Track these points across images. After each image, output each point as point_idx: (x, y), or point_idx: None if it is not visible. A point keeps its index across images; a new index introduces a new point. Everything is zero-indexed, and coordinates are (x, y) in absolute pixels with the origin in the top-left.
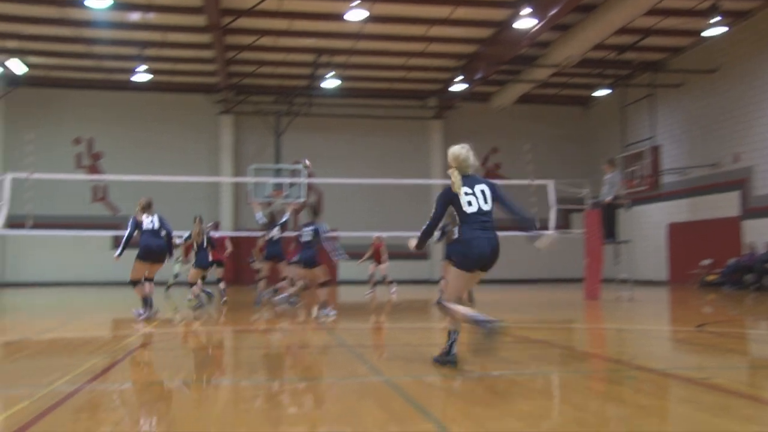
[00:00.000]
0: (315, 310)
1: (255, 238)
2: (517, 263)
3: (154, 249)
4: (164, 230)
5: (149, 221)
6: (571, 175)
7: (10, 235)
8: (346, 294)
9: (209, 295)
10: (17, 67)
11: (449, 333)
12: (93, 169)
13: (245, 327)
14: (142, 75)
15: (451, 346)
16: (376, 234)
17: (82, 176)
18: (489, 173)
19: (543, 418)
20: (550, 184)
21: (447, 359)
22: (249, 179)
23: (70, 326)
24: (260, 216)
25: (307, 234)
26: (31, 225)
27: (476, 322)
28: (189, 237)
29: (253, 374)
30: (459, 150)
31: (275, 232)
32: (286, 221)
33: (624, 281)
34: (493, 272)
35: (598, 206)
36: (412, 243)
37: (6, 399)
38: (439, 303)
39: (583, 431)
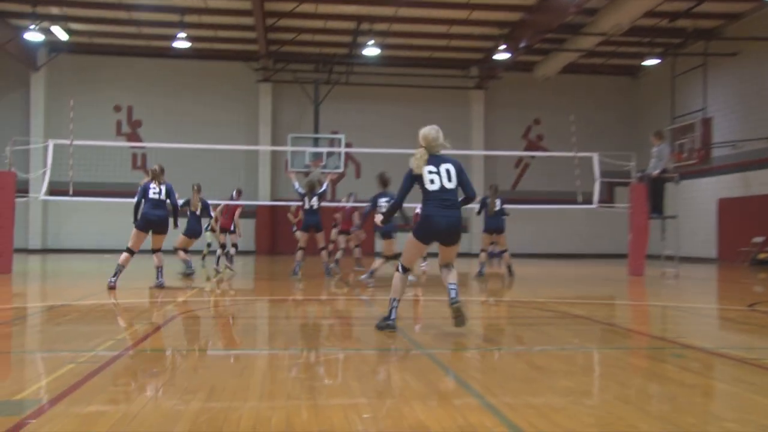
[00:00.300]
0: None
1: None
2: (559, 238)
3: (152, 219)
4: (169, 201)
5: (155, 190)
6: (617, 147)
7: (51, 201)
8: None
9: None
10: (60, 33)
11: (390, 300)
12: (132, 137)
13: (280, 297)
14: (181, 42)
15: (390, 311)
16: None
17: (122, 143)
18: (531, 145)
19: (585, 394)
20: (595, 157)
21: (387, 324)
22: (287, 148)
23: (110, 293)
24: (298, 186)
25: (384, 205)
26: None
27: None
28: (186, 203)
29: (291, 344)
30: (428, 131)
31: (314, 202)
32: (324, 191)
33: (670, 258)
34: (535, 247)
35: (645, 180)
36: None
37: (50, 362)
38: (397, 269)
39: (628, 408)
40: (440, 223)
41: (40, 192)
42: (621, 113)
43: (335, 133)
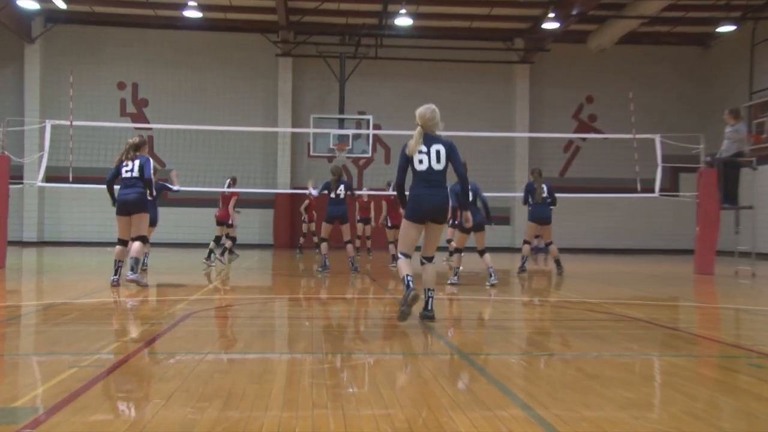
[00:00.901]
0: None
1: (304, 196)
2: (614, 232)
3: (123, 200)
4: (143, 178)
5: (127, 168)
6: (683, 128)
7: (49, 188)
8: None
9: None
10: (58, 1)
11: (404, 278)
12: (138, 117)
13: (301, 295)
14: (192, 11)
15: (408, 288)
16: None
17: (126, 124)
18: (582, 126)
19: (648, 407)
20: (657, 139)
21: (403, 309)
22: (309, 130)
23: (115, 290)
24: (314, 192)
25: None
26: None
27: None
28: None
29: (316, 347)
30: (425, 110)
31: (340, 191)
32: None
33: (745, 254)
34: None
35: (716, 164)
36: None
37: (50, 366)
38: (397, 256)
39: (697, 425)
40: (425, 201)
41: (36, 178)
42: (688, 89)
43: (362, 113)
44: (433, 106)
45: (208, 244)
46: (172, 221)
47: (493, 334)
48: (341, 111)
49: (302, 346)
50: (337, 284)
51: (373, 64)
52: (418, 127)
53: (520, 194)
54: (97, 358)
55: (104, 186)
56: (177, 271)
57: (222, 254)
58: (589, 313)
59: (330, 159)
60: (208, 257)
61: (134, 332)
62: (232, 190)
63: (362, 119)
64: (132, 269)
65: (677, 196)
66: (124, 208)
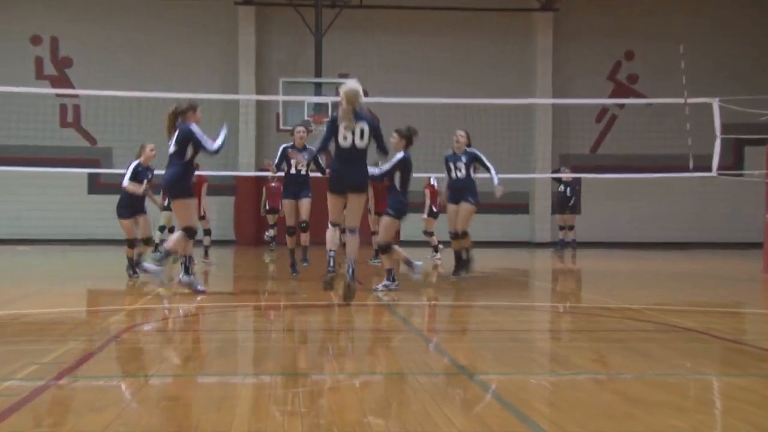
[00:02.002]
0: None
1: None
2: (660, 220)
3: (164, 182)
4: (186, 151)
5: (169, 143)
6: (749, 90)
7: None
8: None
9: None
10: None
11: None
12: (60, 81)
13: (272, 303)
14: None
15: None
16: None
17: (44, 89)
18: (620, 89)
19: None
20: (715, 104)
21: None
22: (278, 97)
23: (34, 300)
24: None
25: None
26: None
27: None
28: None
29: (288, 366)
30: (350, 91)
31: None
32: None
33: None
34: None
35: None
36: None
37: None
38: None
39: None
40: (346, 177)
41: None
42: (755, 41)
43: (344, 76)
44: (358, 84)
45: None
46: (107, 212)
47: (509, 349)
48: (318, 73)
49: (271, 365)
50: (313, 288)
51: (356, 15)
52: (346, 105)
53: (541, 175)
54: (8, 385)
55: (24, 168)
56: (113, 274)
57: (206, 254)
58: (629, 322)
59: (308, 132)
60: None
61: (57, 351)
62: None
63: (343, 83)
64: (186, 270)
65: (741, 175)
66: (164, 191)
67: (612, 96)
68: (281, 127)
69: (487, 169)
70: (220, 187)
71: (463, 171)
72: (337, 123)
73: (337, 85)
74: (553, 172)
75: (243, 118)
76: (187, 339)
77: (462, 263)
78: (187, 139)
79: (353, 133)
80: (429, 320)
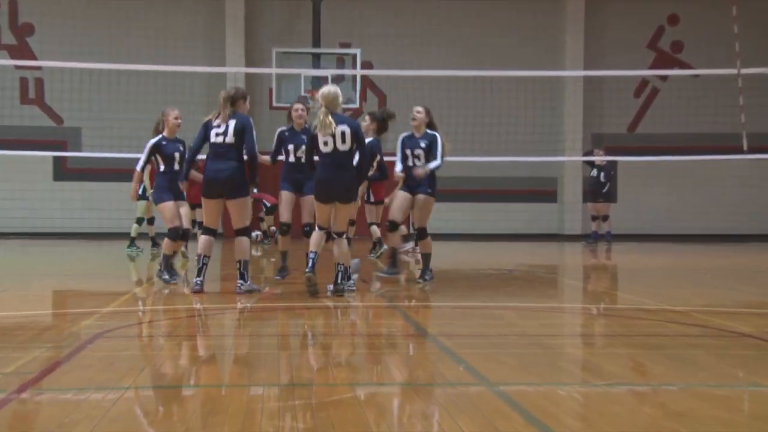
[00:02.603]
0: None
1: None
2: (707, 209)
3: (214, 178)
4: (243, 143)
5: (219, 131)
6: None
7: None
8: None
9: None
10: None
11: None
12: (19, 52)
13: (264, 304)
14: None
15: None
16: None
17: (3, 61)
18: (662, 59)
19: None
20: None
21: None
22: (271, 70)
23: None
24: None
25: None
26: None
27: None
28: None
29: (284, 376)
30: (328, 92)
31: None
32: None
33: None
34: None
35: None
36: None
37: None
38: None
39: None
40: (332, 184)
41: None
42: None
43: (346, 46)
44: (336, 87)
45: (130, 233)
46: (77, 202)
47: (534, 356)
48: (316, 43)
49: (264, 374)
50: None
51: None
52: (323, 108)
53: (571, 158)
54: None
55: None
56: (84, 271)
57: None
58: (672, 325)
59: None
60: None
61: (20, 361)
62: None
63: (346, 54)
64: (243, 276)
65: None
66: (214, 189)
67: (653, 67)
68: (274, 104)
69: (434, 158)
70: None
71: (422, 158)
72: (314, 131)
73: (339, 56)
74: (585, 154)
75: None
76: (169, 345)
77: (393, 261)
78: (243, 132)
79: (333, 137)
80: (443, 323)
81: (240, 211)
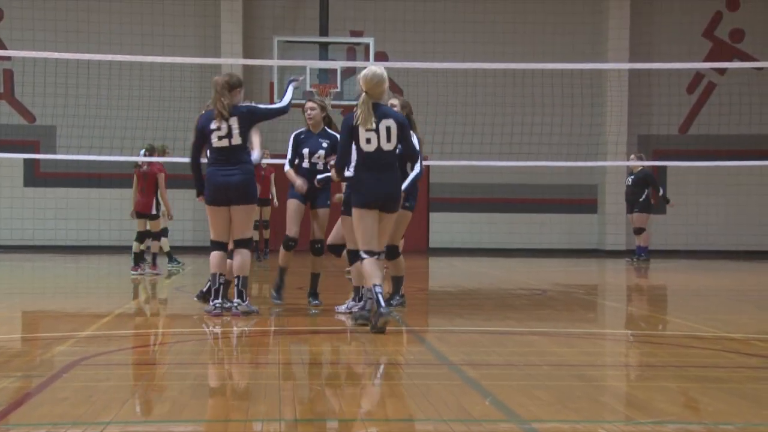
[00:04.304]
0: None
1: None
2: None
3: (220, 183)
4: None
5: (221, 133)
6: None
7: None
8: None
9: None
10: None
11: (372, 289)
12: None
13: (261, 327)
14: None
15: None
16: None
17: None
18: (720, 50)
19: None
20: None
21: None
22: (272, 62)
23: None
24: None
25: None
26: None
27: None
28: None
29: (285, 410)
30: (372, 74)
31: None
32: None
33: None
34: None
35: None
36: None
37: None
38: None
39: None
40: (375, 188)
41: None
42: None
43: (358, 35)
44: (382, 70)
45: (111, 246)
46: (51, 211)
47: (571, 389)
48: (324, 31)
49: (263, 408)
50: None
51: None
52: (363, 95)
53: (612, 163)
54: None
55: None
56: (59, 290)
57: (153, 264)
58: (729, 355)
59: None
60: (137, 265)
61: None
62: (150, 159)
63: (358, 44)
64: (240, 295)
65: None
66: (224, 195)
67: (709, 59)
68: (276, 99)
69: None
70: (188, 178)
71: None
72: (354, 124)
73: (349, 46)
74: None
75: None
76: (155, 374)
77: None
78: (250, 123)
79: (377, 133)
80: (467, 350)
81: (245, 219)
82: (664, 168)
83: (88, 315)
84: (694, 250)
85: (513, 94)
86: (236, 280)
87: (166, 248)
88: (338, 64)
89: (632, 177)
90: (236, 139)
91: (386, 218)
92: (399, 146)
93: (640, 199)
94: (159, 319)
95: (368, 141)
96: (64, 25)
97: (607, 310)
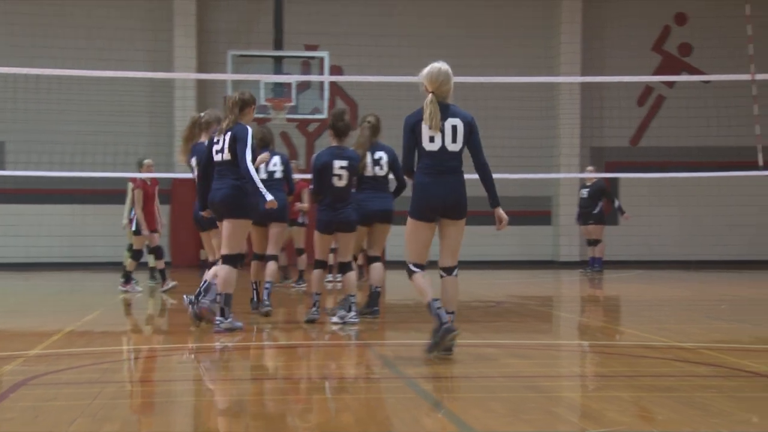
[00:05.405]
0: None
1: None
2: (720, 231)
3: (210, 200)
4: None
5: (218, 147)
6: None
7: None
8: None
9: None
10: None
11: (430, 305)
12: None
13: (220, 343)
14: None
15: (439, 319)
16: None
17: None
18: (669, 63)
19: None
20: None
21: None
22: (226, 76)
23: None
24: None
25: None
26: None
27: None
28: None
29: (240, 428)
30: (437, 72)
31: (275, 167)
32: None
33: None
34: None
35: None
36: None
37: None
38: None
39: None
40: (439, 191)
41: None
42: None
43: (312, 48)
44: (447, 66)
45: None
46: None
47: (525, 401)
48: (278, 45)
49: (213, 426)
50: (277, 325)
51: None
52: (430, 95)
53: (566, 174)
54: None
55: None
56: (6, 308)
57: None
58: (681, 365)
59: (262, 122)
60: (127, 282)
61: None
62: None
63: (312, 58)
64: (222, 312)
65: None
66: (214, 210)
67: (658, 72)
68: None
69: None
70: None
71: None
72: (415, 122)
73: (304, 60)
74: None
75: (179, 102)
76: (107, 393)
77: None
78: (235, 144)
79: (443, 132)
80: (422, 363)
81: (230, 234)
82: (617, 180)
83: (37, 333)
84: (647, 261)
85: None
86: (218, 297)
87: (152, 264)
88: (293, 78)
89: (587, 189)
90: (227, 155)
91: (452, 226)
92: (464, 148)
93: (594, 211)
94: (110, 337)
95: (431, 140)
96: (13, 39)
97: (562, 322)
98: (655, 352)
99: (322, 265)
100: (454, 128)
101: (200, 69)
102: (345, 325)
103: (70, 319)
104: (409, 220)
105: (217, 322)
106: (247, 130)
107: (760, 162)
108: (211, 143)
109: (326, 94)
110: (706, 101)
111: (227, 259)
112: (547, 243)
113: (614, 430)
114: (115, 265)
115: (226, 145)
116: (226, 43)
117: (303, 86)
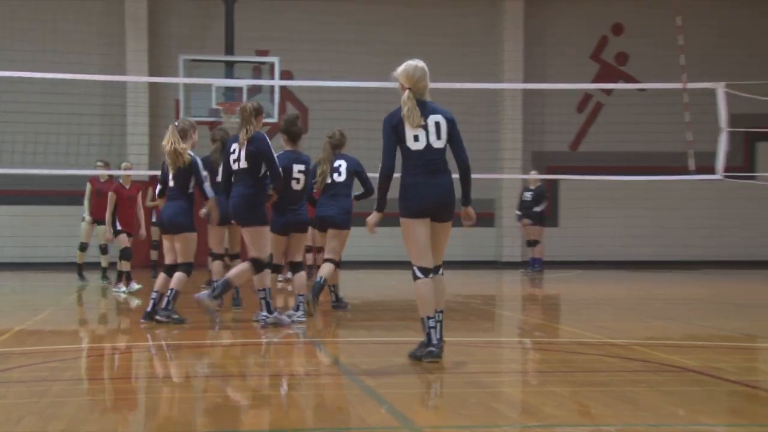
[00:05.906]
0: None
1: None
2: (653, 234)
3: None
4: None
5: (236, 153)
6: (762, 73)
7: None
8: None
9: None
10: None
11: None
12: None
13: (173, 342)
14: None
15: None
16: None
17: None
18: (607, 72)
19: None
20: (720, 89)
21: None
22: (178, 80)
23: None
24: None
25: (341, 171)
26: None
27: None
28: None
29: (186, 423)
30: (413, 69)
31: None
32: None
33: None
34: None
35: None
36: (372, 220)
37: None
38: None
39: None
40: (429, 191)
41: None
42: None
43: (263, 54)
44: (423, 63)
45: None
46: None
47: (465, 397)
48: (229, 50)
49: (161, 423)
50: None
51: None
52: (407, 92)
53: (509, 176)
54: None
55: None
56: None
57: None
58: (612, 360)
59: (213, 125)
60: (119, 281)
61: None
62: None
63: (264, 63)
64: (268, 308)
65: (753, 177)
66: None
67: (597, 80)
68: (181, 117)
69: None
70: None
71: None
72: (395, 123)
73: (255, 65)
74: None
75: (131, 107)
76: (55, 392)
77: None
78: (258, 158)
79: (426, 129)
80: (367, 361)
81: (247, 241)
82: (557, 183)
83: None
84: (586, 261)
85: None
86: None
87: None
88: (244, 83)
89: (531, 192)
90: (243, 163)
91: (440, 228)
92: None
93: (536, 210)
94: (60, 336)
95: (416, 138)
96: None
97: (503, 320)
98: (589, 349)
99: (276, 268)
100: (438, 125)
101: (152, 73)
102: (293, 323)
103: (21, 318)
104: (403, 220)
105: (263, 317)
106: (267, 140)
107: (692, 167)
108: (227, 150)
109: (277, 98)
110: (641, 108)
111: (255, 263)
112: (490, 244)
113: (549, 423)
114: (68, 266)
115: (243, 155)
116: (178, 47)
117: (254, 90)
